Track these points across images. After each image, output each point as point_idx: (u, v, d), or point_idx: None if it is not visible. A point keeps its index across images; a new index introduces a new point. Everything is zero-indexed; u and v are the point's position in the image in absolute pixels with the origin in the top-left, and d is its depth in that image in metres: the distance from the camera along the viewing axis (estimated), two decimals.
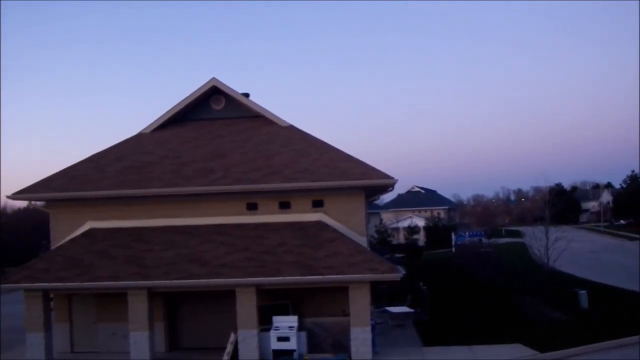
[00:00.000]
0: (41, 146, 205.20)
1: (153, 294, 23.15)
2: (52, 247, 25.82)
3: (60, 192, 25.57)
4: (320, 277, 21.73)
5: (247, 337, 22.25)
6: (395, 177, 24.49)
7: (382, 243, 63.67)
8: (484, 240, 59.01)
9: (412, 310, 29.62)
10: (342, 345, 22.95)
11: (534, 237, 35.41)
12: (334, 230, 24.49)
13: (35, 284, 22.89)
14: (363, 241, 24.72)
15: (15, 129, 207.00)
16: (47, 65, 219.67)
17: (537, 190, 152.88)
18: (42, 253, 39.04)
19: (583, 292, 30.86)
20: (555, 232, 34.68)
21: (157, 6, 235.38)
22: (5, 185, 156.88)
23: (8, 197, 26.28)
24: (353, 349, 22.11)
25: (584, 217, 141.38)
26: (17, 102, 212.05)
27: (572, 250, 41.05)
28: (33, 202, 27.52)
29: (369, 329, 22.19)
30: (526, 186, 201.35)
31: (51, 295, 24.61)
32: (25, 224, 74.59)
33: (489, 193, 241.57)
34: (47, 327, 23.52)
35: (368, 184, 24.76)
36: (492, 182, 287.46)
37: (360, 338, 22.05)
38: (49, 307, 24.06)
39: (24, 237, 70.15)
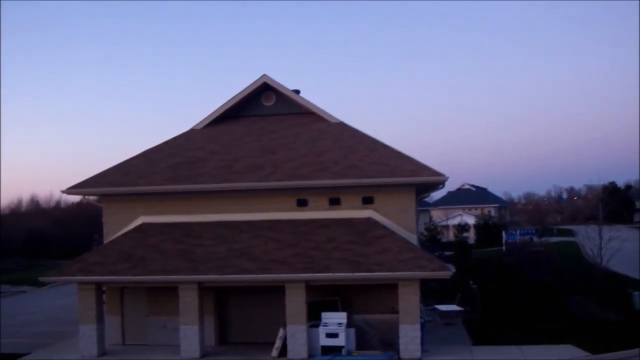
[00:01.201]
0: (96, 141, 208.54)
1: (203, 288, 23.33)
2: (105, 241, 26.22)
3: (113, 187, 25.95)
4: (370, 274, 21.67)
5: (295, 333, 22.30)
6: (446, 175, 24.34)
7: (431, 241, 63.45)
8: (535, 238, 58.45)
9: (461, 309, 29.39)
10: (390, 343, 22.84)
11: (587, 236, 34.82)
12: (384, 227, 24.39)
13: (89, 277, 23.27)
14: (413, 238, 24.57)
15: (71, 124, 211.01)
16: (100, 61, 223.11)
17: (590, 188, 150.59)
18: (95, 247, 39.73)
19: (637, 293, 30.32)
20: (609, 231, 34.11)
21: (210, 5, 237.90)
22: (59, 179, 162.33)
23: (63, 191, 26.80)
24: (402, 347, 22.00)
25: (637, 217, 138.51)
26: (73, 98, 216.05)
27: (626, 250, 40.21)
28: (86, 197, 27.92)
29: (418, 326, 22.04)
30: (579, 184, 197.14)
31: (103, 288, 25.00)
32: (78, 218, 76.23)
33: (540, 191, 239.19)
34: (100, 319, 23.90)
35: (418, 181, 24.60)
36: (544, 180, 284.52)
37: (410, 336, 21.92)
38: (101, 300, 24.46)
39: (77, 230, 71.65)
